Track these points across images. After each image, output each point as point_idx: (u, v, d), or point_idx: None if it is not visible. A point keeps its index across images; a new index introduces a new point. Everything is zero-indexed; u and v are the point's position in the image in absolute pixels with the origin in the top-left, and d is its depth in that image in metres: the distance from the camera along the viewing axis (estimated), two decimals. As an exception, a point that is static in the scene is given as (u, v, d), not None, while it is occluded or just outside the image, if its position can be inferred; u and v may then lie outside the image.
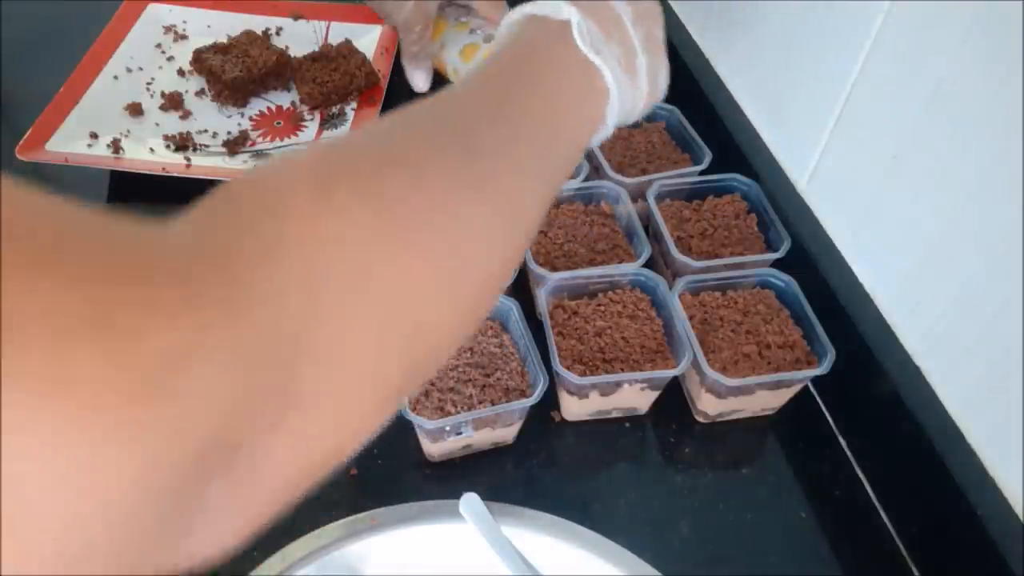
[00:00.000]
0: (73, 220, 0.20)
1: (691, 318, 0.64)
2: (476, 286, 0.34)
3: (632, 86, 0.46)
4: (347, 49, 0.93)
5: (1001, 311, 0.50)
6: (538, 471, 0.62)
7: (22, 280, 0.17)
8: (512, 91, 0.39)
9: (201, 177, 0.80)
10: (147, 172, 0.80)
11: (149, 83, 0.92)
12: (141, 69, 0.93)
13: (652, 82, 0.47)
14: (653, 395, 0.64)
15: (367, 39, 0.99)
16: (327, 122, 0.90)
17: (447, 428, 0.58)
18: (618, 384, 0.61)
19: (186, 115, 0.89)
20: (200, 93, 0.92)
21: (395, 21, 0.61)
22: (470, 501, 0.55)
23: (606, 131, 0.45)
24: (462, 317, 0.34)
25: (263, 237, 0.25)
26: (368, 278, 0.27)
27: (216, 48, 0.93)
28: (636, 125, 0.81)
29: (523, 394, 0.60)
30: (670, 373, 0.61)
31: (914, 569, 0.58)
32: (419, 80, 0.64)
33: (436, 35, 0.65)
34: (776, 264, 0.68)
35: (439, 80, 0.78)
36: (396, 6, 0.60)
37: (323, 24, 1.00)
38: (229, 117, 0.90)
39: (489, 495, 0.57)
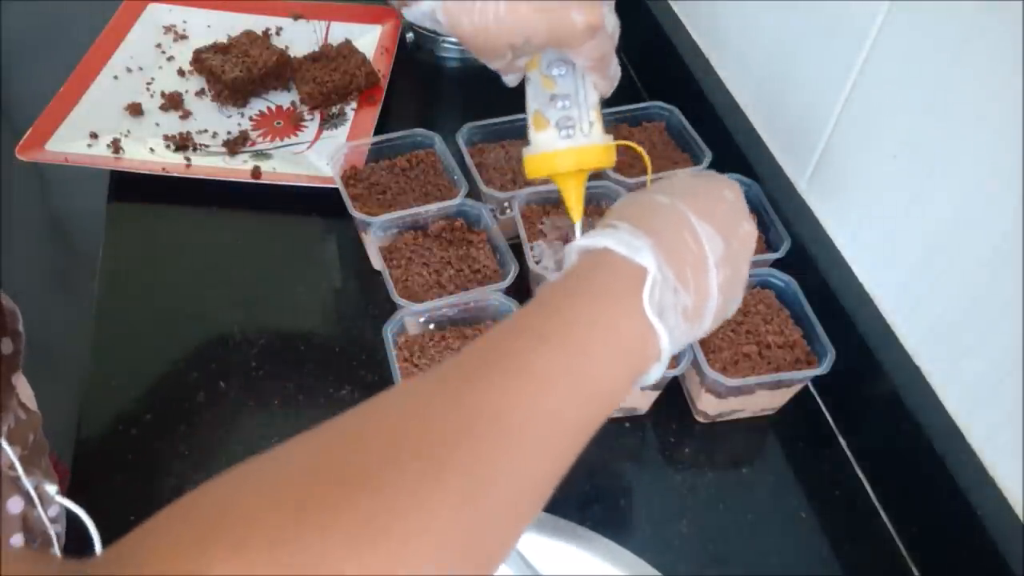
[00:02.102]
0: None
1: (691, 318, 0.64)
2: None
3: (690, 332, 0.42)
4: (347, 49, 0.94)
5: (1001, 311, 0.50)
6: (538, 471, 0.62)
7: None
8: (544, 337, 0.36)
9: (201, 177, 0.80)
10: (147, 172, 0.80)
11: (149, 83, 0.92)
12: (141, 69, 0.93)
13: (717, 320, 0.43)
14: (653, 395, 0.64)
15: (367, 39, 0.99)
16: (327, 122, 0.90)
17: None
18: (618, 384, 0.61)
19: (186, 115, 0.89)
20: (200, 93, 0.92)
21: (485, 62, 0.55)
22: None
23: (639, 384, 0.41)
24: None
25: None
26: None
27: (216, 48, 0.93)
28: (636, 124, 0.81)
29: (523, 394, 0.59)
30: (670, 373, 0.61)
31: (914, 569, 0.58)
32: (508, 82, 0.60)
33: (528, 67, 0.57)
34: (776, 264, 0.68)
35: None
36: (485, 59, 0.54)
37: (323, 24, 1.00)
38: (229, 117, 0.90)
39: (489, 495, 0.57)
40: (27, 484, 0.49)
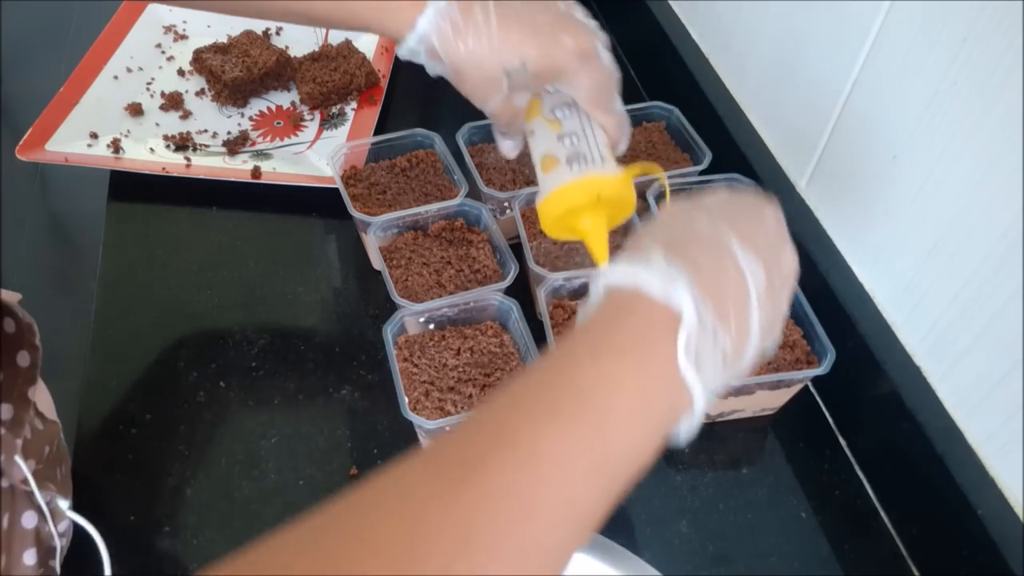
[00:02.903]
0: None
1: (691, 318, 0.64)
2: None
3: (727, 377, 0.37)
4: (347, 49, 0.94)
5: (1001, 311, 0.50)
6: (538, 471, 0.62)
7: None
8: (557, 411, 0.32)
9: (201, 177, 0.80)
10: (147, 172, 0.80)
11: (149, 83, 0.92)
12: (141, 69, 0.93)
13: (754, 359, 0.39)
14: (653, 395, 0.64)
15: (367, 39, 0.99)
16: (327, 122, 0.90)
17: (447, 428, 0.58)
18: (618, 384, 0.61)
19: (186, 115, 0.89)
20: (200, 93, 0.92)
21: (478, 105, 0.55)
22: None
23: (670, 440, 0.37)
24: None
25: None
26: None
27: (216, 48, 0.93)
28: (636, 124, 0.81)
29: (523, 394, 0.59)
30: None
31: (914, 569, 0.58)
32: (507, 150, 0.58)
33: (528, 116, 0.56)
34: (776, 264, 0.68)
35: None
36: (478, 99, 0.54)
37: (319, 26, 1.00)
38: (229, 117, 0.90)
39: (489, 495, 0.57)
40: (40, 499, 0.48)
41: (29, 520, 0.48)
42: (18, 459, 0.47)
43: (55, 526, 0.50)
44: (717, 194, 0.42)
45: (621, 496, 0.33)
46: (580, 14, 0.53)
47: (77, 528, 0.52)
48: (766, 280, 0.37)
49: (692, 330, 0.34)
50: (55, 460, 0.54)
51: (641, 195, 0.73)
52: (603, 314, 0.36)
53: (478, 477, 0.30)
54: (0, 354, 0.50)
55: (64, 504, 0.50)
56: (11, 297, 0.50)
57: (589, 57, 0.51)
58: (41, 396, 0.53)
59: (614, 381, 0.33)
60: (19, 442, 0.48)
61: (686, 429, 0.36)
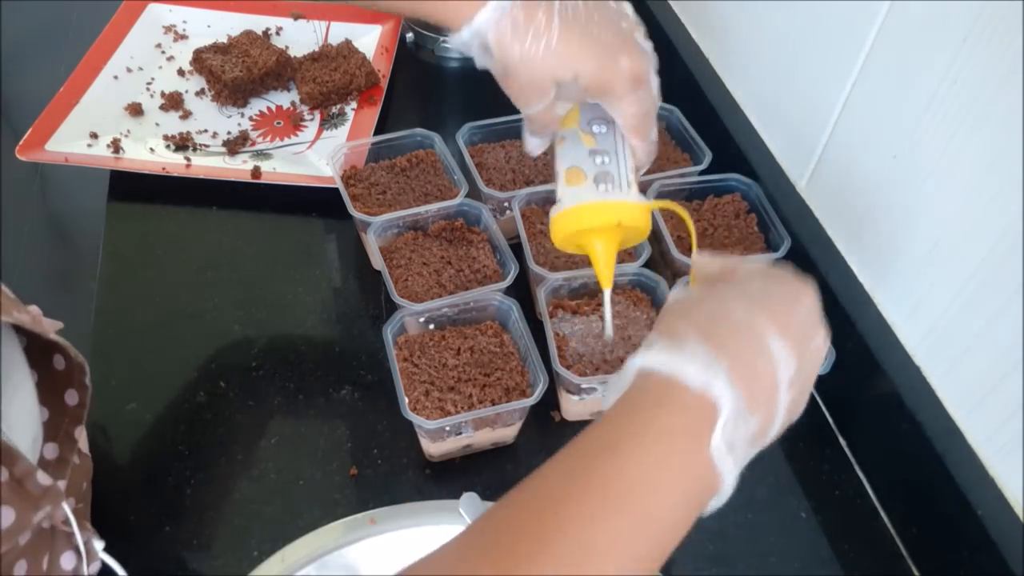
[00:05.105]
0: None
1: (691, 318, 0.64)
2: None
3: (752, 452, 0.39)
4: (347, 49, 0.94)
5: (1000, 311, 0.50)
6: (538, 471, 0.62)
7: None
8: (620, 486, 0.34)
9: (201, 177, 0.80)
10: (147, 172, 0.80)
11: (149, 83, 0.92)
12: (141, 69, 0.93)
13: (778, 436, 0.40)
14: (653, 395, 0.64)
15: (367, 39, 0.99)
16: (327, 122, 0.90)
17: (447, 428, 0.58)
18: (618, 384, 0.61)
19: (186, 115, 0.89)
20: (200, 93, 0.92)
21: (519, 106, 0.53)
22: (470, 501, 0.55)
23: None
24: None
25: None
26: None
27: (216, 48, 0.93)
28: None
29: (523, 394, 0.60)
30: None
31: (914, 569, 0.58)
32: (533, 147, 0.57)
33: (564, 123, 0.55)
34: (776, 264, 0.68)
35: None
36: (521, 101, 0.52)
37: (323, 24, 1.00)
38: (229, 117, 0.90)
39: (489, 495, 0.57)
40: (79, 540, 0.47)
41: (68, 561, 0.47)
42: (64, 506, 0.46)
43: (88, 566, 0.49)
44: (755, 277, 0.43)
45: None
46: (641, 36, 0.52)
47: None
48: (796, 366, 0.38)
49: (727, 422, 0.35)
50: (87, 498, 0.53)
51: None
52: (640, 401, 0.37)
53: (529, 567, 0.31)
54: (48, 392, 0.49)
55: (99, 545, 0.49)
56: (52, 326, 0.49)
57: (640, 82, 0.50)
58: (80, 435, 0.51)
59: (657, 474, 0.35)
60: (63, 483, 0.47)
61: (714, 505, 0.38)
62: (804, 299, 0.42)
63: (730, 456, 0.36)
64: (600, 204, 0.52)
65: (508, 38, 0.48)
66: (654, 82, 0.52)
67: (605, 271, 0.53)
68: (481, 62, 0.51)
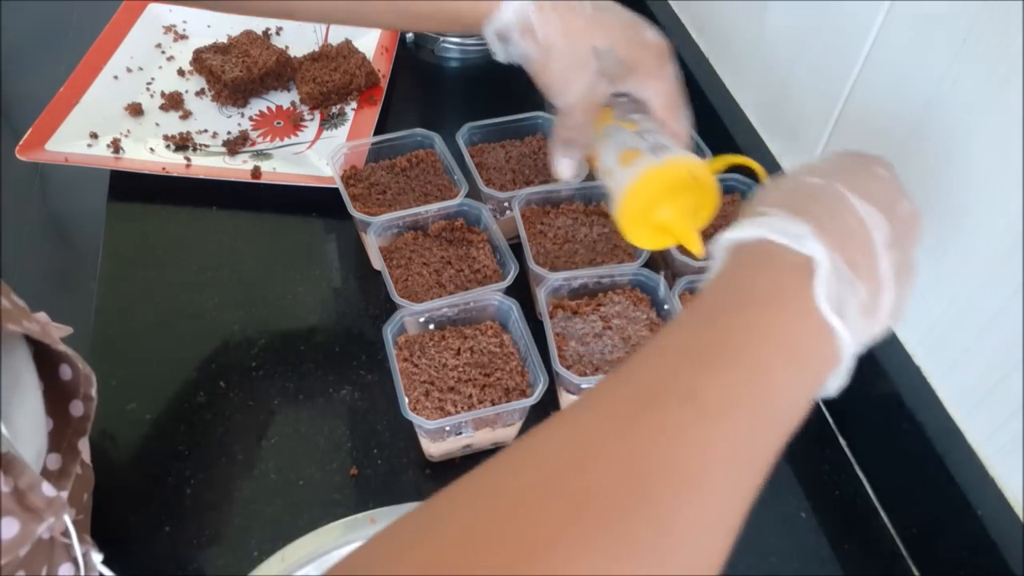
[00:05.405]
0: None
1: (691, 318, 0.64)
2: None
3: (868, 331, 0.37)
4: (347, 49, 0.94)
5: (1000, 311, 0.50)
6: (538, 471, 0.62)
7: None
8: (713, 358, 0.32)
9: (201, 177, 0.80)
10: (147, 172, 0.80)
11: (149, 83, 0.92)
12: (141, 69, 0.93)
13: (892, 316, 0.38)
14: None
15: (367, 39, 0.99)
16: (327, 122, 0.90)
17: (447, 428, 0.58)
18: (618, 384, 0.61)
19: (186, 115, 0.89)
20: (200, 93, 0.92)
21: (555, 102, 0.54)
22: (470, 501, 0.55)
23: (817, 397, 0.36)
24: None
25: None
26: None
27: (216, 48, 0.93)
28: (636, 125, 0.81)
29: (523, 394, 0.60)
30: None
31: (914, 569, 0.58)
32: (564, 168, 0.57)
33: (599, 125, 0.55)
34: (776, 264, 0.68)
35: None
36: (562, 85, 0.53)
37: (323, 24, 1.00)
38: (229, 117, 0.90)
39: (489, 495, 0.56)
40: (78, 551, 0.47)
41: (66, 573, 0.46)
42: (65, 517, 0.46)
43: None
44: (824, 160, 0.42)
45: (782, 449, 0.33)
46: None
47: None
48: (888, 227, 0.37)
49: (828, 276, 0.34)
50: (87, 509, 0.53)
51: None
52: (729, 271, 0.36)
53: (649, 416, 0.30)
54: (53, 402, 0.49)
55: (98, 558, 0.49)
56: (61, 331, 0.49)
57: (665, 56, 0.54)
58: (83, 446, 0.51)
59: (762, 330, 0.33)
60: (65, 494, 0.47)
61: (835, 383, 0.36)
62: (878, 168, 0.41)
63: (841, 319, 0.34)
64: (667, 163, 0.51)
65: (549, 12, 0.52)
66: (674, 62, 0.55)
67: (690, 238, 0.52)
68: (508, 54, 0.55)
